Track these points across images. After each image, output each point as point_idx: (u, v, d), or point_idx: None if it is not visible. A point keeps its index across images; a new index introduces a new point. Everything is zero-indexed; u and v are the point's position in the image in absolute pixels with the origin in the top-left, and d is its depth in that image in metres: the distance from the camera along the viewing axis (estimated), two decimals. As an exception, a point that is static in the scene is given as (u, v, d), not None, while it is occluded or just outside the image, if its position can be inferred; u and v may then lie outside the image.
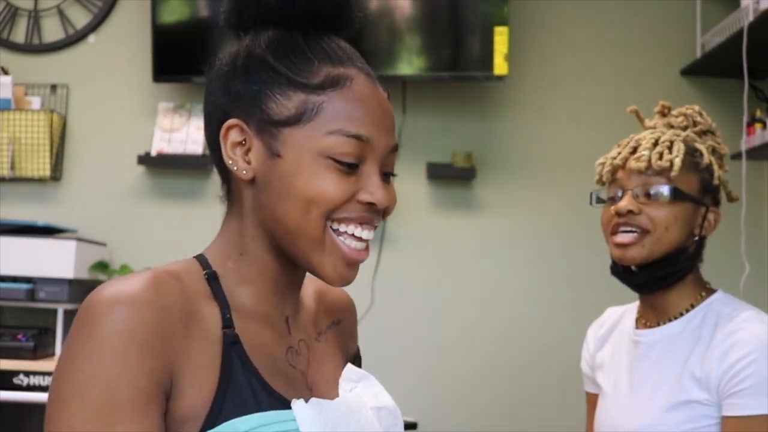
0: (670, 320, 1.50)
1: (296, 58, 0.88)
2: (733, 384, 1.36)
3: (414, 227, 3.16)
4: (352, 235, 0.88)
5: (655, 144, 1.48)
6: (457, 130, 3.18)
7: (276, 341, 0.91)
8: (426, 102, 3.18)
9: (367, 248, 0.90)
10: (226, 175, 0.92)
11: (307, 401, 0.85)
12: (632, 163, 1.47)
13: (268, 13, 0.90)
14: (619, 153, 1.51)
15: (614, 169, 1.51)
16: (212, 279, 0.88)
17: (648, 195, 1.45)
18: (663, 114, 1.61)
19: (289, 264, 0.91)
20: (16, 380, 2.61)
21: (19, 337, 2.69)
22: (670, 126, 1.57)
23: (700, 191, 1.49)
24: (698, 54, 3.09)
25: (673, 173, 1.44)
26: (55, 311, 2.85)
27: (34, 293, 2.77)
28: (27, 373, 2.61)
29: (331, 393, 0.93)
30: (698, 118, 1.57)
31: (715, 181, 1.50)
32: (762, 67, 2.92)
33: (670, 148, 1.47)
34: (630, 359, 1.54)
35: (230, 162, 0.88)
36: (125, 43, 3.22)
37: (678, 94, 3.00)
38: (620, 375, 1.55)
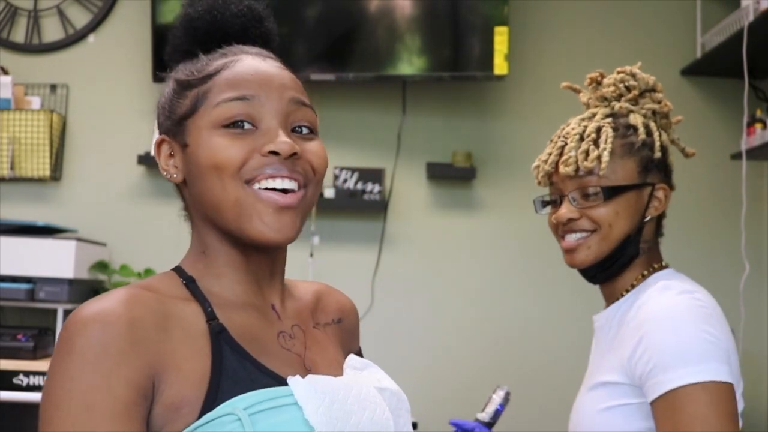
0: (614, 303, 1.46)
1: (194, 66, 0.98)
2: (642, 365, 1.27)
3: (414, 227, 3.16)
4: (266, 188, 0.90)
5: (582, 138, 1.41)
6: (457, 130, 3.18)
7: (264, 327, 0.94)
8: (426, 102, 3.18)
9: (294, 196, 0.91)
10: (178, 192, 1.02)
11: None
12: (561, 168, 1.41)
13: (184, 51, 1.01)
14: (550, 155, 1.45)
15: (548, 174, 1.46)
16: (190, 283, 0.94)
17: (585, 196, 1.40)
18: (596, 86, 1.53)
19: (246, 247, 0.94)
20: (16, 380, 2.61)
21: (19, 337, 2.69)
22: (604, 99, 1.49)
23: (641, 173, 1.41)
24: (698, 54, 3.09)
25: (602, 171, 1.38)
26: (55, 311, 2.85)
27: (34, 293, 2.77)
28: (27, 373, 2.61)
29: (332, 374, 0.94)
30: (631, 81, 1.47)
31: (657, 154, 1.42)
32: (762, 67, 2.92)
33: (596, 141, 1.40)
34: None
35: (165, 173, 0.98)
36: (125, 43, 3.22)
37: (678, 94, 3.00)
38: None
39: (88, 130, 3.22)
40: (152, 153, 3.06)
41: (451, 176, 3.13)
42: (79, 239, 2.84)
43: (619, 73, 1.50)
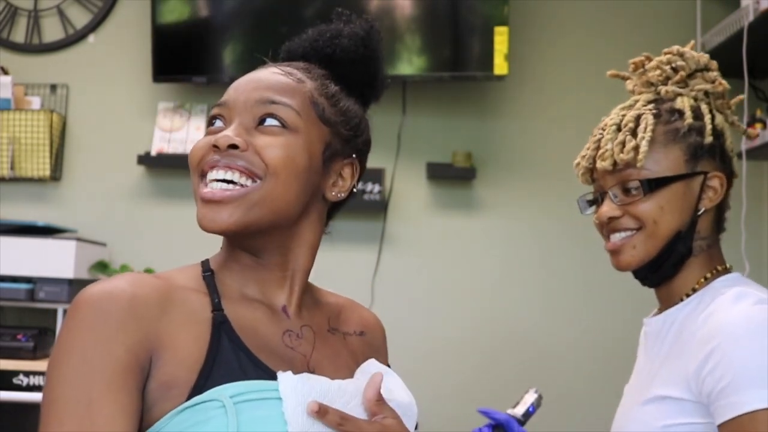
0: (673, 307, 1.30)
1: None
2: (712, 382, 1.13)
3: (414, 227, 3.16)
4: (211, 179, 0.94)
5: (619, 129, 1.29)
6: (457, 130, 3.18)
7: (270, 324, 0.96)
8: (426, 102, 3.18)
9: (231, 190, 0.93)
10: None
11: None
12: (598, 163, 1.30)
13: None
14: (588, 150, 1.34)
15: (589, 171, 1.34)
16: (208, 276, 0.97)
17: (626, 192, 1.27)
18: (641, 71, 1.40)
19: (251, 244, 0.97)
20: (16, 380, 2.61)
21: (19, 337, 2.69)
22: (650, 84, 1.36)
23: (689, 161, 1.27)
24: (698, 54, 3.09)
25: (638, 163, 1.25)
26: (55, 311, 2.85)
27: (34, 293, 2.77)
28: (27, 373, 2.61)
29: (339, 378, 0.95)
30: (679, 62, 1.34)
31: (707, 139, 1.28)
32: (762, 67, 2.91)
33: (635, 130, 1.27)
34: (639, 354, 1.38)
35: None
36: (125, 43, 3.22)
37: (678, 94, 3.00)
38: (633, 375, 1.40)
39: (88, 130, 3.22)
40: (153, 153, 3.08)
41: (451, 176, 3.13)
42: (79, 239, 2.85)
43: (665, 54, 1.37)
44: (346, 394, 0.91)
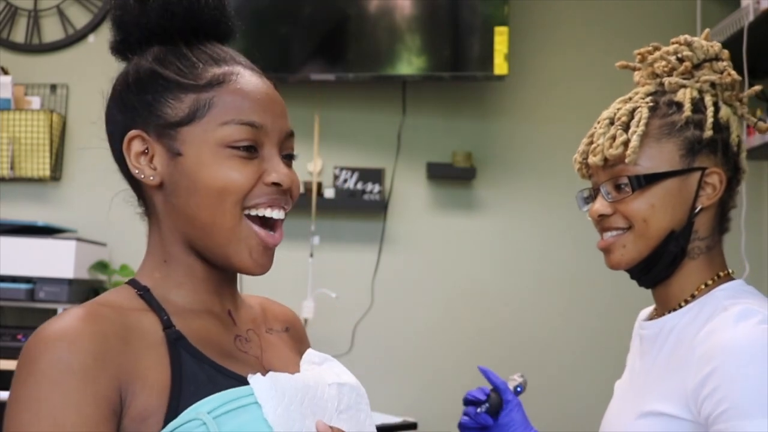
0: (670, 312, 1.23)
1: (182, 63, 0.94)
2: (712, 405, 1.07)
3: (414, 227, 3.16)
4: (263, 217, 0.92)
5: (612, 123, 1.23)
6: (457, 130, 3.18)
7: (221, 332, 0.94)
8: (426, 102, 3.18)
9: (279, 232, 0.94)
10: (139, 189, 1.00)
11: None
12: (590, 158, 1.24)
13: (151, 32, 0.96)
14: (584, 144, 1.29)
15: (584, 166, 1.29)
16: (144, 293, 0.93)
17: (617, 188, 1.21)
18: (647, 61, 1.33)
19: (211, 261, 0.94)
20: (16, 380, 2.61)
21: (19, 337, 2.69)
22: (655, 75, 1.29)
23: (684, 156, 1.20)
24: (698, 54, 3.08)
25: (627, 159, 1.18)
26: (55, 311, 2.85)
27: (34, 293, 2.77)
28: (27, 373, 2.61)
29: (290, 372, 0.95)
30: (686, 52, 1.26)
31: (707, 133, 1.21)
32: (762, 67, 2.91)
33: (627, 125, 1.21)
34: (633, 356, 1.32)
35: (136, 171, 0.95)
36: (125, 43, 3.22)
37: (678, 94, 3.00)
38: (626, 374, 1.34)
39: (88, 130, 3.21)
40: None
41: (451, 176, 3.13)
42: (79, 239, 2.85)
43: (672, 43, 1.29)
44: (310, 388, 0.91)
